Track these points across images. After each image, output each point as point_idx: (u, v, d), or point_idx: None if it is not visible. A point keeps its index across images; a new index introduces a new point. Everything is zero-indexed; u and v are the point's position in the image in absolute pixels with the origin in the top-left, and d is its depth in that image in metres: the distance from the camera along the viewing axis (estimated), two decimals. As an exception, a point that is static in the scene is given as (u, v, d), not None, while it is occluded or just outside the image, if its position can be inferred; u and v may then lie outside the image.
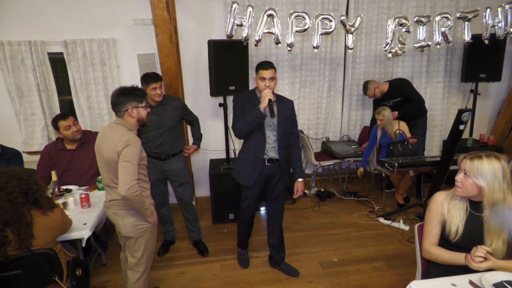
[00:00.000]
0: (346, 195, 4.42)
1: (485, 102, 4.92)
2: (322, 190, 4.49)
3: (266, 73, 2.53)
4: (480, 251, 1.63)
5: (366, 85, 4.27)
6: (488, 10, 3.54)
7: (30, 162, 3.89)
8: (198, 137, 3.30)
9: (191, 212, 3.26)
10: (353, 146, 4.48)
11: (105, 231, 3.45)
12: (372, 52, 4.49)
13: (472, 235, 1.75)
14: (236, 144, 4.34)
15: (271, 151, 2.68)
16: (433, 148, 4.87)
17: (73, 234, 2.24)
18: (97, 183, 2.94)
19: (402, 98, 4.10)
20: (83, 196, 2.55)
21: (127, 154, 1.98)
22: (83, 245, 2.30)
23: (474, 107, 4.52)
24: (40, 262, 1.91)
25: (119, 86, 2.14)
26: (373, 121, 4.44)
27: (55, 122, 3.06)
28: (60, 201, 2.47)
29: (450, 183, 4.40)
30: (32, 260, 1.88)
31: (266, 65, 2.56)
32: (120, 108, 2.08)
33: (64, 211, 2.16)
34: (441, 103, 4.74)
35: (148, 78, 2.83)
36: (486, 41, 3.58)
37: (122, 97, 2.07)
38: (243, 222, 2.99)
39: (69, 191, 2.85)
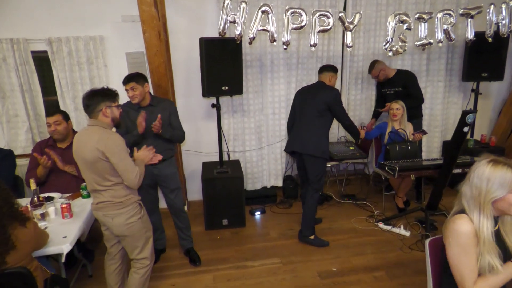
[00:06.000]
0: (344, 198, 4.28)
1: (486, 101, 4.79)
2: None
3: None
4: None
5: (373, 64, 4.08)
6: (492, 6, 3.40)
7: (14, 166, 3.71)
8: (171, 131, 2.89)
9: (182, 219, 3.10)
10: (350, 148, 4.32)
11: (91, 239, 3.28)
12: (371, 50, 4.35)
13: (501, 250, 1.58)
14: (230, 147, 4.19)
15: None
16: (433, 149, 4.74)
17: (51, 249, 2.06)
18: (81, 190, 2.77)
19: (403, 89, 3.96)
20: (64, 206, 2.37)
21: (113, 148, 2.02)
22: (63, 260, 2.12)
23: (475, 107, 4.39)
24: (13, 283, 1.74)
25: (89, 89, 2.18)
26: (378, 103, 4.29)
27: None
28: (38, 212, 2.30)
29: (453, 187, 4.32)
30: (4, 281, 1.71)
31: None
32: (94, 108, 2.08)
33: (37, 224, 1.99)
34: (442, 102, 4.60)
35: (124, 79, 2.74)
36: (490, 39, 3.44)
37: (95, 98, 2.08)
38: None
39: (50, 199, 2.68)
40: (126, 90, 2.74)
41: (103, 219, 2.22)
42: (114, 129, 2.26)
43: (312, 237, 3.36)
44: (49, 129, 2.97)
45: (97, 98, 2.08)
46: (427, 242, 1.89)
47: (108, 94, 2.13)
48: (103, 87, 2.19)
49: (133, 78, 2.73)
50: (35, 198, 2.43)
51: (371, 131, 4.01)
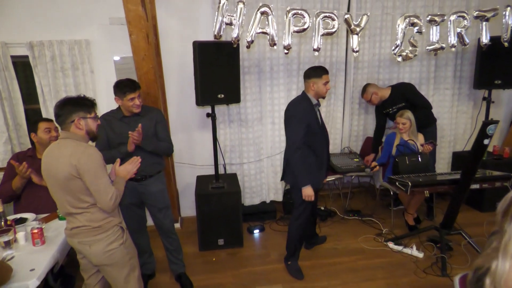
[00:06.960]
0: (349, 214, 3.99)
1: (496, 110, 4.53)
2: (322, 208, 4.05)
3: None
4: None
5: (365, 88, 3.92)
6: (509, 9, 3.16)
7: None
8: (156, 143, 2.59)
9: (172, 241, 2.79)
10: (355, 159, 4.04)
11: (71, 263, 2.95)
12: (376, 56, 4.09)
13: None
14: (227, 159, 3.89)
15: None
16: (440, 160, 4.46)
17: (14, 286, 1.73)
18: (58, 211, 2.46)
19: (406, 103, 3.72)
20: (35, 231, 2.06)
21: (87, 164, 1.77)
22: (28, 298, 1.80)
23: (487, 116, 4.13)
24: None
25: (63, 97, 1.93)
26: (378, 132, 4.03)
27: (35, 122, 2.76)
28: (2, 240, 1.99)
29: (470, 204, 4.05)
30: None
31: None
32: (65, 119, 1.84)
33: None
34: (450, 111, 4.34)
35: (125, 87, 2.43)
36: (506, 44, 3.20)
37: (67, 108, 1.84)
38: (305, 229, 2.99)
39: (23, 221, 2.37)
40: (132, 98, 2.44)
41: (79, 247, 1.95)
42: (91, 143, 1.98)
43: (289, 262, 3.01)
44: (47, 134, 2.71)
45: (69, 107, 1.84)
46: (456, 279, 1.60)
47: (82, 104, 1.88)
48: (79, 95, 1.95)
49: (137, 84, 2.49)
50: (2, 222, 2.12)
51: (381, 152, 3.74)
